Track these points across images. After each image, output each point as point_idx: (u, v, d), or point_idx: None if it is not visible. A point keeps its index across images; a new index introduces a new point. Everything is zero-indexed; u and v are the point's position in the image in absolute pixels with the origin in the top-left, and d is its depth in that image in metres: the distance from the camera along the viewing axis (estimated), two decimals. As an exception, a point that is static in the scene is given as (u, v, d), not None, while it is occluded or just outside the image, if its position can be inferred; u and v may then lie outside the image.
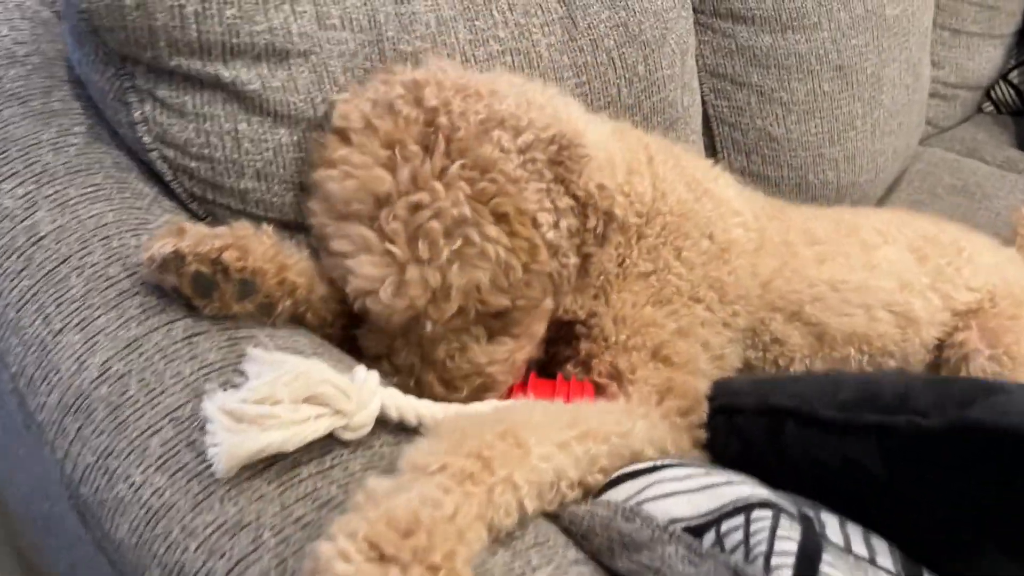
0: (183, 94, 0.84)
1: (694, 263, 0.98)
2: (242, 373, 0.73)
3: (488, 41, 1.05)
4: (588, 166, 0.86)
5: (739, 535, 0.60)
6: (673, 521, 0.65)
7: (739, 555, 0.58)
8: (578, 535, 0.70)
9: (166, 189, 0.88)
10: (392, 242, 0.76)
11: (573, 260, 0.86)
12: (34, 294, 0.76)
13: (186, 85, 0.84)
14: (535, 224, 0.81)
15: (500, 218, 0.79)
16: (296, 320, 0.83)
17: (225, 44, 0.83)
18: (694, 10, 1.46)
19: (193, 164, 0.86)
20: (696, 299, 0.98)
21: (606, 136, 0.99)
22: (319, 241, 0.82)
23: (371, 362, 0.84)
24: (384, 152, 0.78)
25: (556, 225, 0.83)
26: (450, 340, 0.83)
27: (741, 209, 1.05)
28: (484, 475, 0.67)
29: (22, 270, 0.78)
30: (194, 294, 0.76)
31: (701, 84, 1.49)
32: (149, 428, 0.70)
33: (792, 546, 0.57)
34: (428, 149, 0.78)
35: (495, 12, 1.06)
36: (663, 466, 0.72)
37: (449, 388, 0.85)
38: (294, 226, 0.90)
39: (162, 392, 0.72)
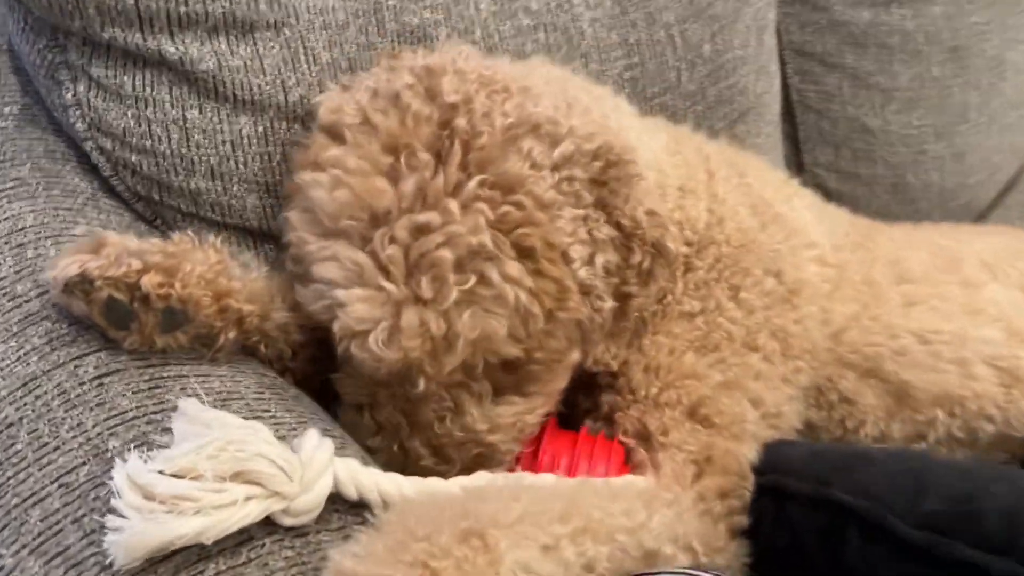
0: (121, 73, 0.69)
1: (753, 306, 0.80)
2: (162, 428, 0.59)
3: (517, 14, 0.88)
4: (638, 187, 0.69)
5: None
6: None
7: None
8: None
9: (108, 185, 0.73)
10: (387, 273, 0.60)
11: (609, 304, 0.68)
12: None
13: (124, 62, 0.69)
14: (566, 260, 0.64)
15: (524, 253, 0.62)
16: (247, 351, 0.69)
17: (171, 13, 0.68)
18: (779, -22, 1.25)
19: (134, 158, 0.71)
20: (751, 347, 0.80)
21: (661, 147, 0.82)
22: (297, 262, 0.65)
23: (350, 411, 0.69)
24: (385, 157, 0.62)
25: (591, 261, 0.66)
26: (442, 399, 0.67)
27: (818, 240, 0.88)
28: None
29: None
30: (108, 324, 0.62)
31: (784, 65, 1.28)
32: (32, 495, 0.56)
33: None
34: (441, 157, 0.61)
35: (528, -18, 0.89)
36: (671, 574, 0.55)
37: (439, 457, 0.68)
38: (258, 234, 0.76)
39: (55, 449, 0.58)
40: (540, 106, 0.67)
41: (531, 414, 0.70)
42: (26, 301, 0.64)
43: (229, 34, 0.71)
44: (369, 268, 0.60)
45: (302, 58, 0.74)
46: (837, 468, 0.68)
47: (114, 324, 0.62)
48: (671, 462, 0.73)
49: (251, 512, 0.55)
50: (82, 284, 0.60)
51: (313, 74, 0.74)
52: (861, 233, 0.95)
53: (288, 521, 0.57)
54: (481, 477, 0.66)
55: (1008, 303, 0.94)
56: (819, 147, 1.32)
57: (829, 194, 1.32)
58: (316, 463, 0.58)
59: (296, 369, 0.72)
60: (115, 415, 0.60)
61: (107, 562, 0.53)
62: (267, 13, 0.72)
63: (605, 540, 0.61)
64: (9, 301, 0.64)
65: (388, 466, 0.65)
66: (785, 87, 1.29)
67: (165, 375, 0.63)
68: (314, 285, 0.63)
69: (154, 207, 0.74)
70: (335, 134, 0.64)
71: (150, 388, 0.61)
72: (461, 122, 0.62)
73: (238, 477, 0.55)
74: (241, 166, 0.73)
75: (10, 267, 0.65)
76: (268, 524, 0.56)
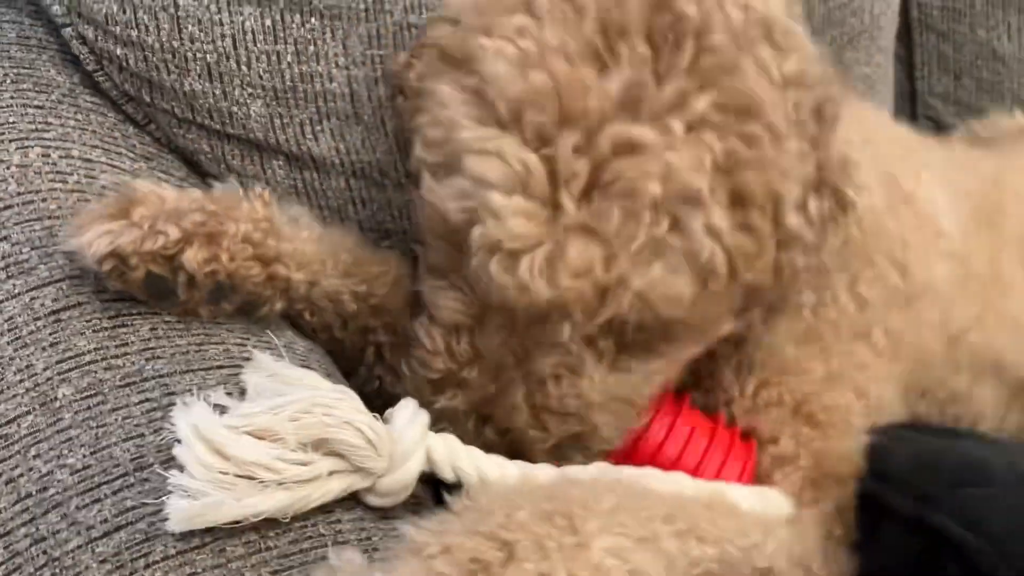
0: (102, -55, 0.58)
1: (870, 303, 0.68)
2: (122, 374, 0.50)
3: None
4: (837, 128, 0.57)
5: None
6: None
7: None
8: None
9: (91, 81, 0.63)
10: (565, 189, 0.48)
11: (811, 262, 0.57)
12: None
13: (105, -68, 0.58)
14: (776, 207, 0.52)
15: (739, 201, 0.50)
16: (287, 318, 0.60)
17: None
18: None
19: (119, 50, 0.61)
20: (860, 337, 0.69)
21: None
22: (436, 147, 0.52)
23: (438, 333, 0.56)
24: (597, 39, 0.49)
25: (804, 205, 0.54)
26: (568, 352, 0.54)
27: (948, 228, 0.75)
28: (504, 568, 0.43)
29: None
30: (151, 299, 0.54)
31: (904, -26, 1.10)
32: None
33: None
34: (662, 54, 0.49)
35: None
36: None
37: (536, 419, 0.56)
38: (265, 148, 0.65)
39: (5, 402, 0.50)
40: (772, 4, 0.54)
41: (646, 386, 0.58)
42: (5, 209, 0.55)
43: None
44: (542, 176, 0.48)
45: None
46: (947, 483, 0.56)
47: (155, 296, 0.54)
48: (780, 473, 0.63)
49: (333, 489, 0.49)
50: (117, 262, 0.51)
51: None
52: (991, 200, 0.81)
53: (374, 501, 0.52)
54: (594, 468, 0.56)
55: None
56: (936, 74, 1.14)
57: (943, 128, 1.16)
58: (409, 438, 0.51)
59: (346, 340, 0.63)
60: (69, 357, 0.51)
61: (38, 533, 0.45)
62: None
63: (713, 544, 0.51)
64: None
65: (460, 414, 0.55)
66: (905, 3, 1.11)
67: (133, 312, 0.54)
68: (459, 180, 0.50)
69: (145, 109, 0.64)
70: (529, 4, 0.50)
71: (113, 327, 0.53)
72: (691, 9, 0.49)
73: (322, 446, 0.48)
74: (244, 66, 0.62)
75: (14, 188, 0.56)
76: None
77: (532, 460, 0.56)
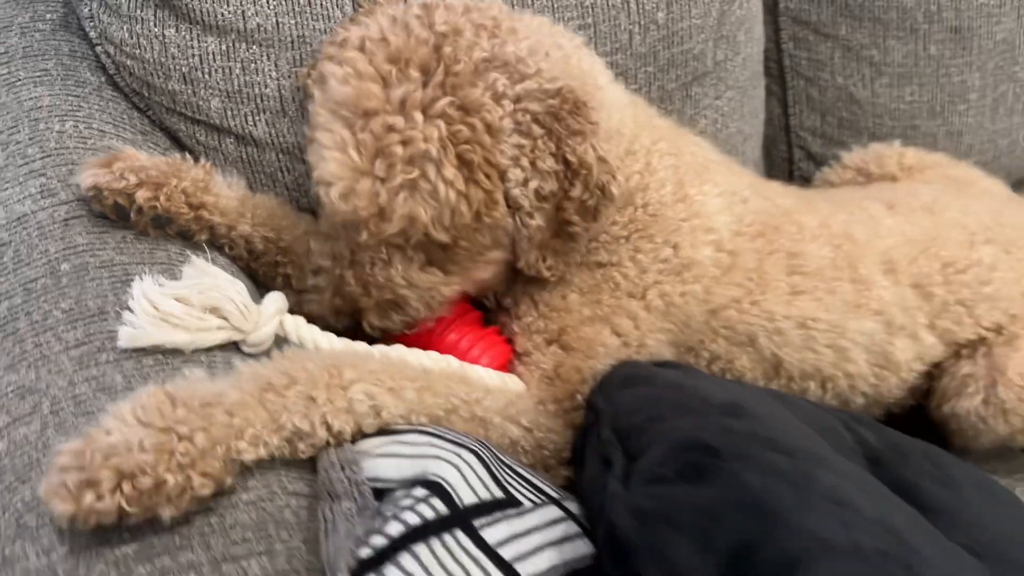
0: (120, -4, 0.91)
1: (648, 268, 0.93)
2: (100, 261, 0.82)
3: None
4: (594, 133, 0.82)
5: (393, 507, 0.61)
6: (373, 480, 0.66)
7: (378, 522, 0.59)
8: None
9: (112, 81, 0.96)
10: (358, 150, 0.78)
11: (537, 222, 0.84)
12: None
13: (122, -13, 0.91)
14: (502, 178, 0.81)
15: (464, 164, 0.78)
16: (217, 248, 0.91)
17: (156, -47, 0.89)
18: (782, -54, 1.31)
19: (128, 62, 0.94)
20: (635, 296, 0.94)
21: (623, 105, 0.94)
22: (310, 127, 0.83)
23: (318, 239, 0.89)
24: (387, 67, 0.78)
25: (525, 183, 0.81)
26: (379, 251, 0.85)
27: (718, 227, 0.97)
28: (286, 389, 0.72)
29: (-40, 137, 0.90)
30: (117, 219, 0.85)
31: (780, 30, 1.36)
32: (4, 294, 0.81)
33: (399, 528, 0.57)
34: (427, 76, 0.78)
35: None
36: (414, 430, 0.73)
37: (364, 291, 0.87)
38: (219, 129, 0.97)
39: (27, 264, 0.82)
40: (515, 47, 0.81)
41: (447, 287, 0.88)
42: (32, 161, 0.88)
43: (202, -29, 0.91)
44: (350, 142, 0.78)
45: (261, -7, 0.93)
46: (619, 383, 0.81)
47: (120, 218, 0.85)
48: (528, 374, 0.91)
49: (218, 337, 0.78)
50: (96, 193, 0.83)
51: (271, 7, 0.93)
52: (768, 225, 1.01)
53: (246, 350, 0.81)
54: (395, 349, 0.85)
55: (893, 300, 1.02)
56: (806, 112, 1.39)
57: (813, 157, 1.40)
58: (267, 312, 0.81)
59: (258, 271, 0.94)
60: (71, 247, 0.83)
61: (39, 340, 0.77)
62: (234, -45, 0.91)
63: (442, 397, 0.80)
64: (21, 159, 0.88)
65: (325, 291, 0.88)
66: (779, 52, 1.37)
67: (113, 226, 0.85)
68: (314, 144, 0.81)
69: (144, 100, 0.97)
70: (359, 44, 0.81)
71: (100, 232, 0.84)
72: (448, 50, 0.79)
73: (215, 311, 0.78)
74: (206, 75, 0.94)
75: (26, 134, 0.89)
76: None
77: (366, 319, 0.87)
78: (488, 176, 0.79)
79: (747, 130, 1.30)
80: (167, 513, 0.63)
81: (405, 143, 0.76)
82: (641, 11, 1.10)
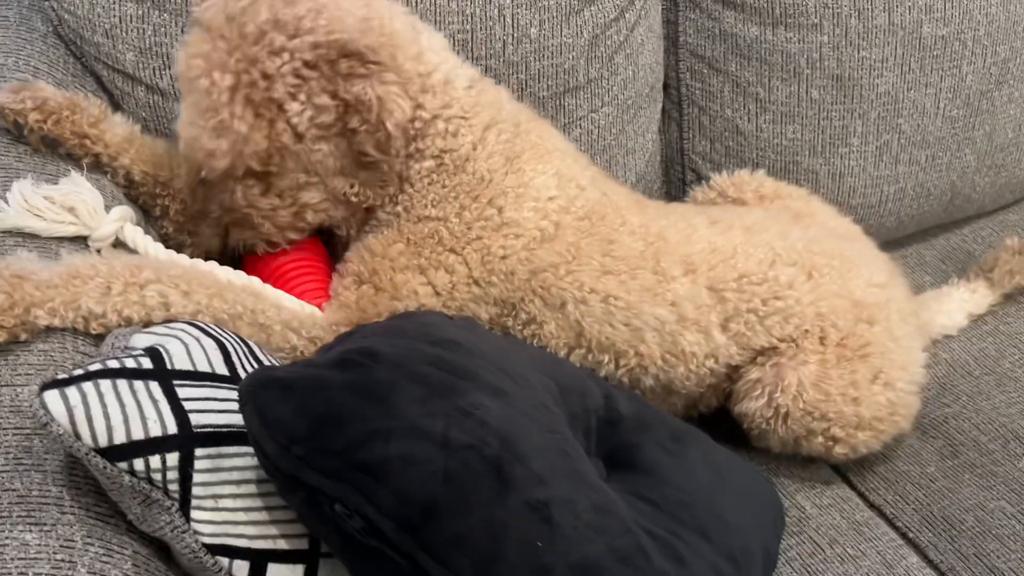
0: (61, -37, 1.15)
1: (471, 224, 1.09)
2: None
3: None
4: (375, 78, 1.00)
5: (108, 356, 0.81)
6: (130, 348, 0.86)
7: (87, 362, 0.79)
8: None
9: (56, 31, 1.20)
10: (190, 111, 1.01)
11: (322, 148, 1.03)
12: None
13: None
14: (282, 110, 1.01)
15: (249, 102, 0.99)
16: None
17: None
18: (686, -15, 1.46)
19: (66, 16, 1.17)
20: (453, 251, 1.10)
21: (462, 83, 1.12)
22: None
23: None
24: (206, 42, 1.00)
25: (302, 114, 1.00)
26: (225, 184, 1.07)
27: (543, 199, 1.12)
28: (90, 279, 0.93)
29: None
30: (16, 134, 1.08)
31: (679, 61, 1.50)
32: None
33: (97, 367, 0.77)
34: (229, 41, 0.99)
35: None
36: (190, 322, 0.92)
37: (223, 210, 1.09)
38: (132, 78, 1.19)
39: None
40: (292, 10, 0.99)
41: (283, 208, 1.08)
42: (-21, 84, 1.12)
43: (126, -51, 1.14)
44: (187, 106, 1.01)
45: (172, -28, 1.15)
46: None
47: (18, 134, 1.08)
48: (332, 303, 1.09)
49: (69, 230, 1.01)
50: (0, 110, 1.06)
51: (186, -14, 1.15)
52: (595, 212, 1.16)
53: (93, 244, 1.02)
54: (209, 265, 1.05)
55: (688, 297, 1.15)
56: (697, 138, 1.52)
57: (702, 179, 1.53)
58: (111, 217, 1.03)
59: (136, 196, 1.15)
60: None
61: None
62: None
63: (229, 304, 1.00)
64: (-30, 82, 1.12)
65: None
66: (678, 81, 1.51)
67: (15, 142, 1.08)
68: None
69: (78, 49, 1.20)
70: (194, 23, 1.03)
71: (8, 144, 1.07)
72: (243, 19, 0.99)
73: (71, 211, 1.01)
74: (124, 33, 1.16)
75: (-22, 66, 1.13)
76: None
77: (231, 235, 1.10)
78: (269, 109, 0.99)
79: (630, 145, 1.44)
80: None
81: (209, 94, 0.98)
82: (516, 25, 1.27)
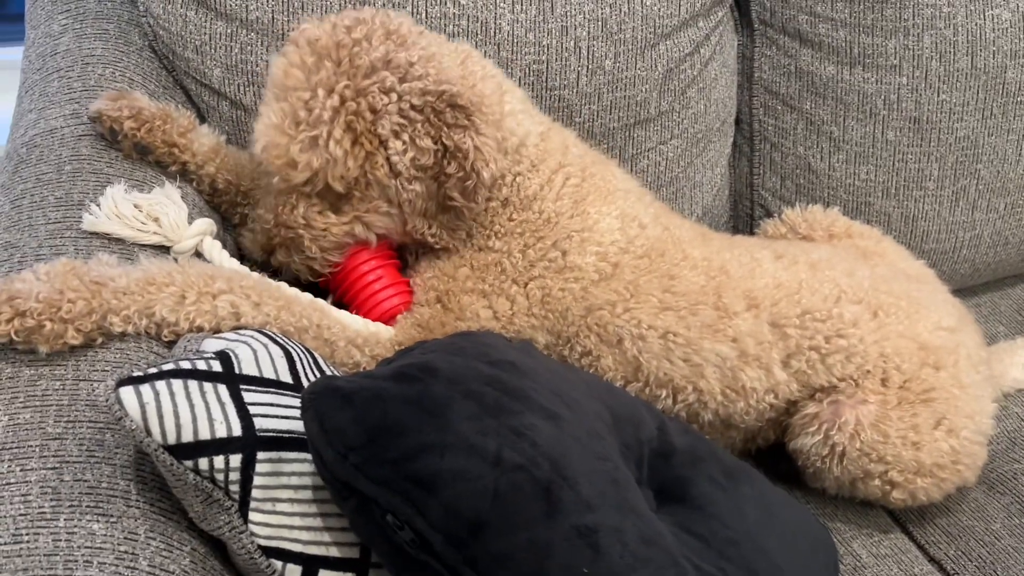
0: (160, -13, 1.21)
1: (535, 262, 1.12)
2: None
3: (446, 2, 1.25)
4: (474, 129, 1.04)
5: (181, 357, 0.84)
6: (201, 351, 0.90)
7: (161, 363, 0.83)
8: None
9: (151, 46, 1.26)
10: (277, 115, 1.03)
11: (415, 187, 1.06)
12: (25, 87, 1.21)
13: (163, -20, 1.21)
14: (384, 146, 1.04)
15: (350, 130, 1.03)
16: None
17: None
18: (763, 23, 1.46)
19: (160, 32, 1.23)
20: (515, 283, 1.12)
21: (536, 132, 1.15)
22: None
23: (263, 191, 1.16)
24: (311, 59, 1.03)
25: (404, 153, 1.05)
26: (290, 197, 1.09)
27: (605, 242, 1.14)
28: (165, 287, 0.97)
29: (36, 68, 1.22)
30: (110, 140, 1.14)
31: (753, 97, 1.50)
32: (23, 178, 1.10)
33: (169, 367, 0.80)
34: (339, 66, 1.04)
35: (466, -19, 1.25)
36: (259, 330, 0.95)
37: (275, 227, 1.10)
38: (218, 93, 1.24)
39: (44, 161, 1.11)
40: (405, 54, 1.04)
41: (337, 227, 1.09)
42: (74, 92, 1.18)
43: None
44: (273, 109, 1.04)
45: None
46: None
47: (112, 140, 1.13)
48: (408, 319, 1.12)
49: (153, 240, 1.06)
50: (98, 116, 1.12)
51: (269, 5, 1.20)
52: (655, 249, 1.17)
53: (172, 255, 1.06)
54: (282, 285, 1.07)
55: (750, 333, 1.15)
56: (768, 173, 1.51)
57: (770, 215, 1.52)
58: (193, 230, 1.08)
59: (218, 204, 1.20)
60: (76, 154, 1.11)
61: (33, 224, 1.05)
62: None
63: (296, 317, 1.03)
64: (67, 90, 1.18)
65: (258, 227, 1.12)
66: (751, 116, 1.51)
67: (108, 149, 1.14)
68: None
69: (170, 63, 1.26)
70: (303, 41, 1.06)
71: (102, 149, 1.13)
72: (356, 49, 1.03)
73: (156, 221, 1.06)
74: (213, 50, 1.22)
75: (77, 73, 1.20)
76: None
77: (275, 257, 1.11)
78: (370, 141, 1.03)
79: (697, 178, 1.45)
80: (43, 349, 0.89)
81: (309, 110, 1.01)
82: (591, 57, 1.29)
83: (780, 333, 1.16)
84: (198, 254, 1.08)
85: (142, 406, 0.76)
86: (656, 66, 1.32)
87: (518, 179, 1.13)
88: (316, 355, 0.99)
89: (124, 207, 1.05)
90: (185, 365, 0.82)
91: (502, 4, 1.27)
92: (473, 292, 1.12)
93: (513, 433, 0.80)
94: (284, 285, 1.07)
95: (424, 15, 1.24)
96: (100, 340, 0.93)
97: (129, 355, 0.94)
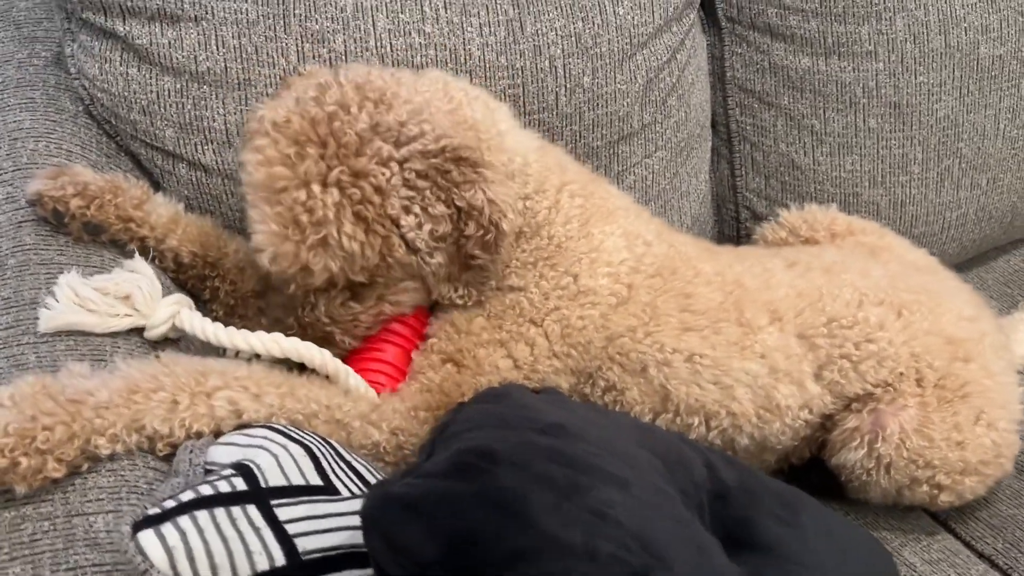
0: (93, 39, 1.08)
1: (549, 294, 1.04)
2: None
3: (410, 33, 1.15)
4: (483, 178, 0.94)
5: (201, 481, 0.72)
6: (211, 463, 0.78)
7: (179, 491, 0.71)
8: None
9: (88, 110, 1.12)
10: (276, 222, 0.91)
11: (438, 259, 0.96)
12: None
13: (95, 33, 1.07)
14: (397, 225, 0.93)
15: (361, 219, 0.91)
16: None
17: (122, 5, 1.05)
18: (730, 20, 1.41)
19: (99, 94, 1.10)
20: (535, 323, 1.04)
21: (534, 155, 1.06)
22: (246, 201, 0.95)
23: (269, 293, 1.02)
24: (290, 149, 0.90)
25: (419, 227, 0.94)
26: (307, 297, 0.98)
27: (615, 261, 1.07)
28: (153, 393, 0.84)
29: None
30: (55, 223, 1.00)
31: (728, 97, 1.44)
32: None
33: (190, 496, 0.68)
34: (324, 149, 0.90)
35: (426, 7, 1.15)
36: (265, 426, 0.84)
37: (301, 328, 0.99)
38: (172, 155, 1.11)
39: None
40: (394, 114, 0.92)
41: (365, 313, 1.00)
42: (4, 173, 1.03)
43: (162, 21, 1.06)
44: (270, 216, 0.91)
45: (213, 42, 1.08)
46: (478, 399, 0.91)
47: (57, 223, 0.99)
48: (415, 383, 1.01)
49: (125, 323, 0.93)
50: (38, 199, 0.98)
51: (220, 53, 1.08)
52: (666, 267, 1.10)
53: (148, 335, 0.94)
54: (289, 341, 0.95)
55: (777, 347, 1.08)
56: (751, 175, 1.46)
57: (758, 217, 1.47)
58: (166, 302, 0.95)
59: (185, 280, 1.07)
60: (18, 245, 0.97)
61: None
62: (189, 10, 1.06)
63: (302, 401, 0.91)
64: (-2, 171, 1.04)
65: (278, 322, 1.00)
66: (727, 117, 1.45)
67: (55, 234, 1.00)
68: (248, 218, 0.94)
69: (113, 128, 1.12)
70: (272, 128, 0.91)
71: (47, 236, 0.99)
72: (336, 124, 0.90)
73: (126, 301, 0.93)
74: (163, 108, 1.09)
75: (4, 151, 1.05)
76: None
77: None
78: (383, 225, 0.92)
79: (683, 188, 1.38)
80: (20, 488, 0.76)
81: (310, 211, 0.89)
82: (568, 75, 1.21)
83: (809, 344, 1.10)
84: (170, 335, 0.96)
85: (169, 552, 0.65)
86: (636, 78, 1.25)
87: (527, 203, 1.04)
88: (334, 444, 0.88)
89: (84, 291, 0.91)
90: (206, 491, 0.70)
91: (469, 28, 1.17)
92: (490, 343, 1.03)
93: (595, 516, 0.72)
94: (280, 339, 0.95)
95: (389, 47, 1.14)
96: (86, 467, 0.80)
97: (125, 477, 0.81)
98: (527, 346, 1.04)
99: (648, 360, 1.06)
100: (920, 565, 1.14)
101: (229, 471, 0.74)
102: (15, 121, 1.08)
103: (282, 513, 0.72)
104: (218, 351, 0.97)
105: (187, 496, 0.69)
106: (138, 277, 0.95)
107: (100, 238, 1.01)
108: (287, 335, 0.96)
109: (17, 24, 1.17)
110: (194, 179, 1.13)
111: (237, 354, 0.96)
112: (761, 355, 1.09)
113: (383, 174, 0.91)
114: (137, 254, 0.99)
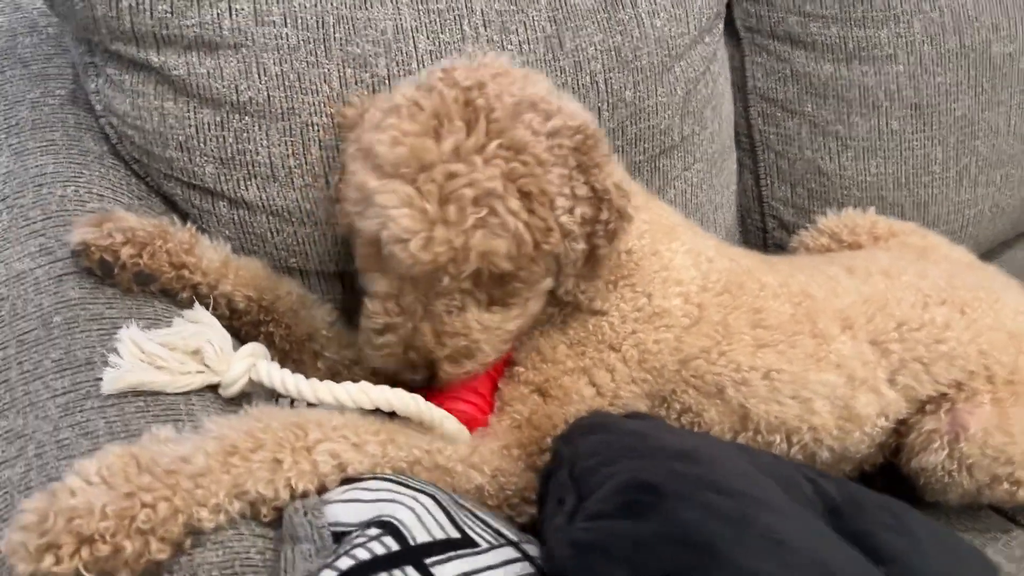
0: (123, 73, 0.99)
1: (627, 317, 0.99)
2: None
3: (451, 53, 1.09)
4: (608, 164, 0.90)
5: (347, 545, 0.65)
6: (334, 524, 0.70)
7: (331, 558, 0.63)
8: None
9: (114, 150, 1.03)
10: (428, 202, 0.82)
11: (581, 247, 0.90)
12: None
13: (126, 66, 0.99)
14: (552, 206, 0.87)
15: (524, 196, 0.84)
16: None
17: (156, 34, 0.97)
18: (749, 30, 1.40)
19: (130, 132, 1.01)
20: (613, 348, 0.99)
21: None
22: (356, 203, 0.87)
23: (377, 302, 0.91)
24: (432, 123, 0.84)
25: (571, 211, 0.88)
26: (454, 297, 0.89)
27: (685, 279, 1.03)
28: (252, 453, 0.75)
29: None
30: (102, 274, 0.90)
31: (749, 107, 1.43)
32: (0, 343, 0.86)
33: (349, 563, 0.61)
34: (470, 125, 0.84)
35: (465, 27, 1.10)
36: (375, 476, 0.77)
37: (438, 341, 0.90)
38: (213, 193, 1.03)
39: (22, 317, 0.87)
40: (537, 87, 0.89)
41: (510, 322, 0.93)
42: (34, 222, 0.94)
43: (199, 50, 0.99)
44: (416, 197, 0.82)
45: (254, 70, 1.00)
46: (581, 431, 0.86)
47: (105, 274, 0.90)
48: (504, 417, 0.95)
49: (197, 380, 0.84)
50: (84, 249, 0.89)
51: (262, 81, 1.00)
52: (732, 282, 1.06)
53: (223, 392, 0.85)
54: (364, 385, 0.87)
55: (852, 355, 1.06)
56: (776, 183, 1.45)
57: (785, 226, 1.46)
58: (241, 355, 0.87)
59: (239, 326, 0.98)
60: (63, 301, 0.88)
61: (29, 388, 0.82)
62: (229, 37, 0.99)
63: (404, 448, 0.83)
64: (24, 221, 0.94)
65: (397, 347, 0.90)
66: (749, 127, 1.44)
67: (102, 283, 0.91)
68: (374, 210, 0.84)
69: (143, 167, 1.03)
70: (395, 111, 0.86)
71: (91, 287, 0.90)
72: (480, 101, 0.85)
73: (196, 356, 0.84)
74: (201, 144, 1.00)
75: (30, 198, 0.95)
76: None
77: (440, 369, 0.90)
78: (543, 204, 0.85)
79: (717, 200, 1.36)
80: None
81: (471, 185, 0.82)
82: (610, 90, 1.17)
83: (882, 350, 1.08)
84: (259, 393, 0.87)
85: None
86: (675, 90, 1.22)
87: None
88: (447, 492, 0.81)
89: (150, 347, 0.83)
90: (363, 555, 0.63)
91: (509, 46, 1.13)
92: (574, 371, 0.98)
93: (774, 544, 0.68)
94: (368, 387, 0.87)
95: (426, 67, 1.08)
96: (188, 544, 0.71)
97: (234, 549, 0.73)
98: (607, 372, 0.99)
99: (725, 381, 1.03)
100: (1007, 564, 1.13)
101: (374, 531, 0.67)
102: (37, 166, 0.98)
103: (438, 572, 0.65)
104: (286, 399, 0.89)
105: (345, 564, 0.62)
106: (205, 329, 0.87)
107: (150, 288, 0.92)
108: (395, 360, 0.90)
109: (24, 62, 1.07)
110: (236, 218, 1.04)
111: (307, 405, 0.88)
112: (837, 365, 1.06)
113: (539, 145, 0.85)
114: (197, 303, 0.90)
